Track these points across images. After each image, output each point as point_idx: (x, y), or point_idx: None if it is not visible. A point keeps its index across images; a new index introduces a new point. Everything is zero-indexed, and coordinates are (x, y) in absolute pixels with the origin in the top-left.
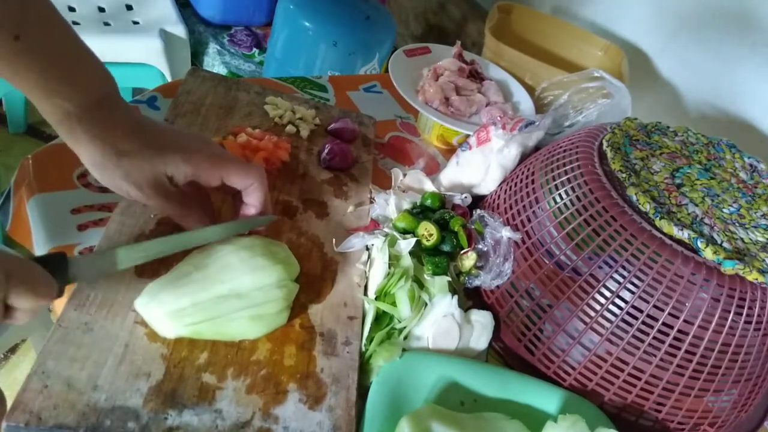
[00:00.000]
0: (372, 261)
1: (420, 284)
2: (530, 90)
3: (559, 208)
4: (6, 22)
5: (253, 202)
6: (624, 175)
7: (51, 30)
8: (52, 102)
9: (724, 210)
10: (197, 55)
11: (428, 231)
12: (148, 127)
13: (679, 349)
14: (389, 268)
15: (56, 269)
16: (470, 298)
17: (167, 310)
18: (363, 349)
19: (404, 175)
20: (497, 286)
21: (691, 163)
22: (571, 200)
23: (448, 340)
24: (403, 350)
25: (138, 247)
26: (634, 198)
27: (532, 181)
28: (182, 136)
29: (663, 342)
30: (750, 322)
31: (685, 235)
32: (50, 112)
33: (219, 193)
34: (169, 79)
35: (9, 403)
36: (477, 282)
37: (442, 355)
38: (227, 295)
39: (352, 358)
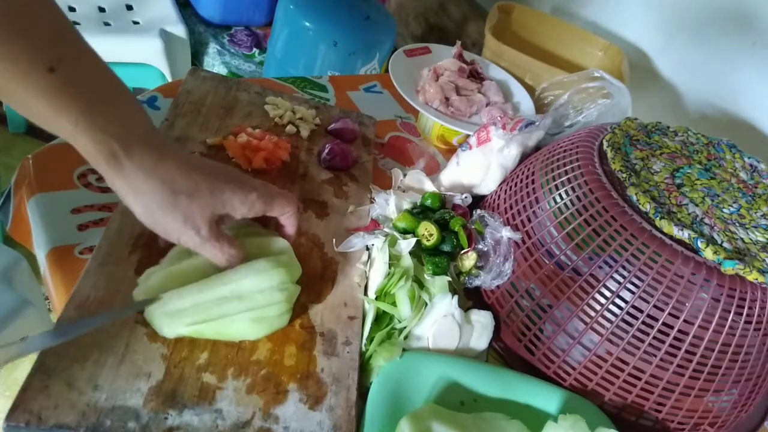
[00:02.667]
0: (372, 261)
1: (420, 284)
2: (530, 90)
3: (559, 208)
4: (39, 54)
5: (289, 229)
6: (624, 175)
7: (86, 61)
8: (96, 138)
9: (725, 210)
10: (197, 55)
11: (428, 231)
12: (199, 161)
13: (679, 349)
14: (389, 268)
15: None
16: (470, 298)
17: (167, 310)
18: (363, 349)
19: (404, 175)
20: (497, 286)
21: (692, 163)
22: (571, 200)
23: (448, 340)
24: (404, 350)
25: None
26: (634, 198)
27: (532, 181)
28: (227, 171)
29: (663, 342)
30: (750, 322)
31: (685, 235)
32: (95, 151)
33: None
34: (170, 79)
35: (9, 403)
36: (477, 282)
37: (442, 355)
38: (228, 296)
39: (353, 358)
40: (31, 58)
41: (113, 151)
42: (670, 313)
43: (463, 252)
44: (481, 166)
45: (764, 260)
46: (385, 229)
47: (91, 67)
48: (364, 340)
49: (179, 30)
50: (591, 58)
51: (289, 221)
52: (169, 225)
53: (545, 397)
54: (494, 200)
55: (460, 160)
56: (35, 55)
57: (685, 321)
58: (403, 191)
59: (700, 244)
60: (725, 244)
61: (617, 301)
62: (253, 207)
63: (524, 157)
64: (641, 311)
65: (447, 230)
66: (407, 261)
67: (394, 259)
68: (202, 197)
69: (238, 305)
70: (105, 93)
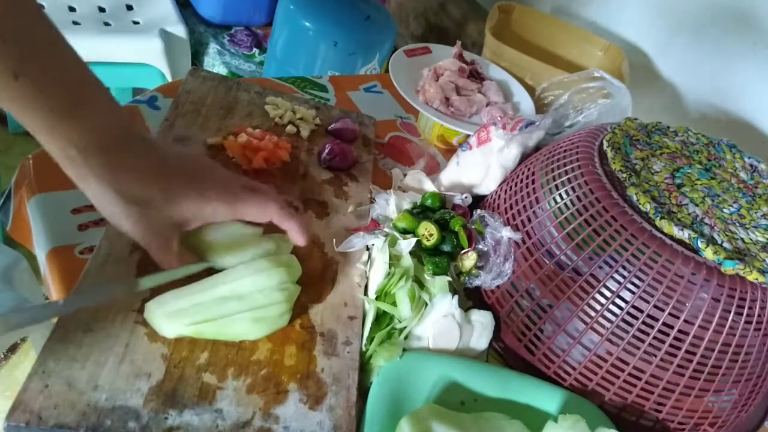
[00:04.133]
0: (372, 261)
1: (420, 284)
2: (530, 90)
3: (559, 208)
4: (4, 61)
5: (293, 235)
6: (624, 175)
7: (54, 67)
8: (55, 144)
9: (725, 210)
10: (197, 55)
11: (428, 231)
12: (159, 167)
13: (679, 349)
14: (389, 268)
15: None
16: (470, 298)
17: (168, 310)
18: (363, 349)
19: (404, 175)
20: (497, 286)
21: (692, 163)
22: (571, 200)
23: (448, 340)
24: (404, 350)
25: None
26: (635, 198)
27: (533, 181)
28: (195, 175)
29: (663, 342)
30: (750, 322)
31: (685, 235)
32: (55, 154)
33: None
34: (170, 79)
35: (9, 403)
36: (477, 282)
37: (442, 355)
38: (228, 296)
39: (353, 358)
40: None
41: (68, 157)
42: (670, 313)
43: (463, 252)
44: (481, 166)
45: (764, 260)
46: (385, 229)
47: (58, 73)
48: (364, 340)
49: (179, 30)
50: (591, 58)
51: (290, 228)
52: (123, 227)
53: (545, 397)
54: (494, 200)
55: (460, 160)
56: (2, 63)
57: (685, 321)
58: (403, 191)
59: (700, 244)
60: (725, 244)
61: (617, 301)
62: (215, 213)
63: (524, 157)
64: (641, 311)
65: (447, 230)
66: (407, 261)
67: (394, 259)
68: (155, 207)
69: (238, 305)
70: (70, 100)
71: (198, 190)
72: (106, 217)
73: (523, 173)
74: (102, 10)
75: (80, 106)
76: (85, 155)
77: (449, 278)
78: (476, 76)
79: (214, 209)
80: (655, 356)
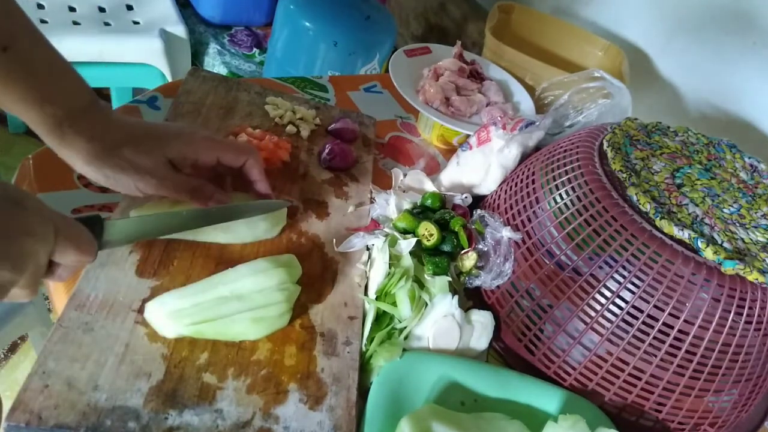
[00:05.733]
0: (372, 261)
1: (420, 284)
2: (530, 90)
3: (559, 208)
4: None
5: (257, 176)
6: (624, 175)
7: (36, 41)
8: (43, 111)
9: (725, 210)
10: (197, 55)
11: (428, 231)
12: (140, 122)
13: (679, 349)
14: (390, 268)
15: (92, 231)
16: (470, 298)
17: (168, 310)
18: (363, 349)
19: (404, 175)
20: (497, 286)
21: (692, 163)
22: (571, 200)
23: (448, 340)
24: (404, 350)
25: (170, 214)
26: (635, 198)
27: (533, 181)
28: (174, 125)
29: (663, 342)
30: (750, 322)
31: (685, 235)
32: (41, 122)
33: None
34: (170, 79)
35: (9, 403)
36: (477, 282)
37: (442, 355)
38: (228, 296)
39: (353, 358)
40: None
41: (56, 121)
42: (670, 313)
43: (463, 252)
44: (481, 166)
45: (764, 260)
46: (386, 229)
47: (38, 47)
48: (364, 340)
49: (179, 30)
50: (591, 58)
51: (254, 171)
52: (123, 176)
53: (545, 397)
54: (494, 200)
55: (460, 160)
56: None
57: (685, 321)
58: (404, 191)
59: (701, 244)
60: (725, 244)
61: (617, 301)
62: (198, 146)
63: (524, 157)
64: (641, 311)
65: (447, 230)
66: (407, 261)
67: (394, 259)
68: (146, 144)
69: (238, 305)
70: (52, 70)
71: (179, 130)
72: (101, 172)
73: (523, 173)
74: (102, 10)
75: (62, 78)
76: (72, 117)
77: (449, 278)
78: (476, 76)
79: (198, 146)
80: (655, 356)
